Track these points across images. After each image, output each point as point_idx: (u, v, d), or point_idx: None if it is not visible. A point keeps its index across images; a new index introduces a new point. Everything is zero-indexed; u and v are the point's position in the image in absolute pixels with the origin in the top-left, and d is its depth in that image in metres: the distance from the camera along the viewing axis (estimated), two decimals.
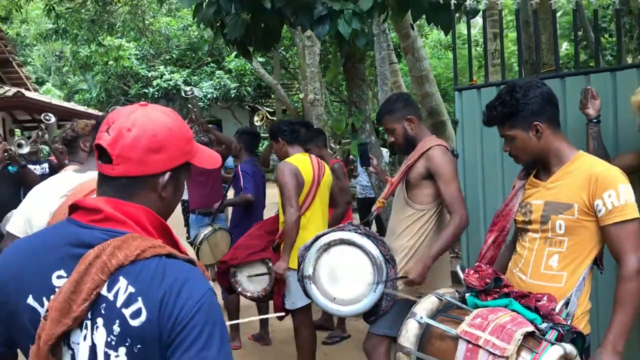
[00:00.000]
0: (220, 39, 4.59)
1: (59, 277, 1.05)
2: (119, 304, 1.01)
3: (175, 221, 7.51)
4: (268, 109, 19.26)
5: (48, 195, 2.03)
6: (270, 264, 3.43)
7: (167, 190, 1.15)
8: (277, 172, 3.34)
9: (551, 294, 1.89)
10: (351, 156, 7.84)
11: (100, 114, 14.17)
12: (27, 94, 10.48)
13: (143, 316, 1.00)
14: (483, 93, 3.24)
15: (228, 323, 2.12)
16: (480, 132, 3.23)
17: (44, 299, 1.05)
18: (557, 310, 1.85)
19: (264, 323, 4.51)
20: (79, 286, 1.01)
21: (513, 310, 1.82)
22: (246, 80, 18.29)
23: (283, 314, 2.54)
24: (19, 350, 1.12)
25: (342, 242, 2.69)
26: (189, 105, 5.11)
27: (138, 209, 1.10)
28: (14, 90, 9.83)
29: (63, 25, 12.08)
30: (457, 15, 3.95)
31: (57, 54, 19.27)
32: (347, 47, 3.92)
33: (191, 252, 3.37)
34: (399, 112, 2.77)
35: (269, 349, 4.42)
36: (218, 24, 4.47)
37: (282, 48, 16.26)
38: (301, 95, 10.30)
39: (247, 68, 17.35)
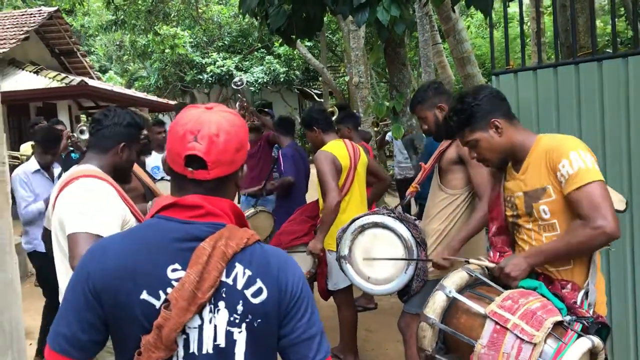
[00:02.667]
0: (265, 28, 4.77)
1: (174, 270, 1.13)
2: (239, 286, 1.14)
3: None
4: (316, 91, 19.46)
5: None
6: None
7: (242, 178, 1.29)
8: (315, 161, 3.46)
9: (574, 281, 1.91)
10: (387, 138, 7.88)
11: (158, 100, 14.79)
12: (90, 82, 11.04)
13: (264, 294, 1.15)
14: (520, 77, 3.24)
15: None
16: (517, 115, 3.24)
17: (161, 292, 1.12)
18: (578, 302, 1.86)
19: None
20: (203, 275, 1.11)
21: (542, 296, 1.84)
22: (294, 64, 18.61)
23: None
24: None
25: (376, 225, 2.82)
26: (239, 95, 5.30)
27: (226, 202, 1.22)
28: (78, 79, 10.42)
29: (122, 17, 12.62)
30: None
31: (118, 43, 20.12)
32: (386, 33, 3.99)
33: None
34: (429, 100, 2.85)
35: None
36: (263, 14, 4.65)
37: (329, 32, 16.33)
38: (347, 78, 10.36)
39: (296, 52, 17.56)
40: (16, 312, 2.05)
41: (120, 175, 2.15)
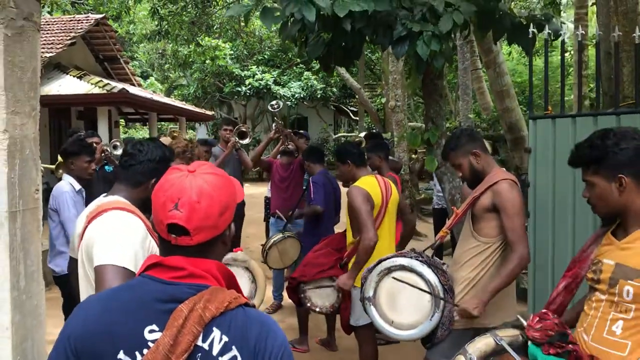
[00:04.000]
0: (304, 53, 4.79)
1: (151, 331, 1.12)
2: (214, 352, 1.11)
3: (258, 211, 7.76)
4: (352, 109, 19.47)
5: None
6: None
7: (230, 236, 1.25)
8: (349, 196, 3.40)
9: None
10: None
11: (196, 109, 15.04)
12: (131, 89, 11.29)
13: None
14: (558, 123, 3.16)
15: None
16: (552, 162, 3.16)
17: (137, 353, 1.11)
18: None
19: (331, 329, 4.66)
20: (178, 338, 1.08)
21: None
22: (332, 81, 18.68)
23: None
24: None
25: (403, 268, 2.77)
26: (275, 118, 5.34)
27: (212, 264, 1.19)
28: (119, 86, 10.69)
29: (165, 27, 12.90)
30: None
31: (160, 52, 20.60)
32: (423, 66, 3.95)
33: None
34: (463, 147, 2.79)
35: (334, 354, 4.56)
36: (302, 40, 4.67)
37: (369, 50, 16.32)
38: (384, 99, 10.34)
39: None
40: (39, 338, 2.09)
41: (148, 207, 2.17)
